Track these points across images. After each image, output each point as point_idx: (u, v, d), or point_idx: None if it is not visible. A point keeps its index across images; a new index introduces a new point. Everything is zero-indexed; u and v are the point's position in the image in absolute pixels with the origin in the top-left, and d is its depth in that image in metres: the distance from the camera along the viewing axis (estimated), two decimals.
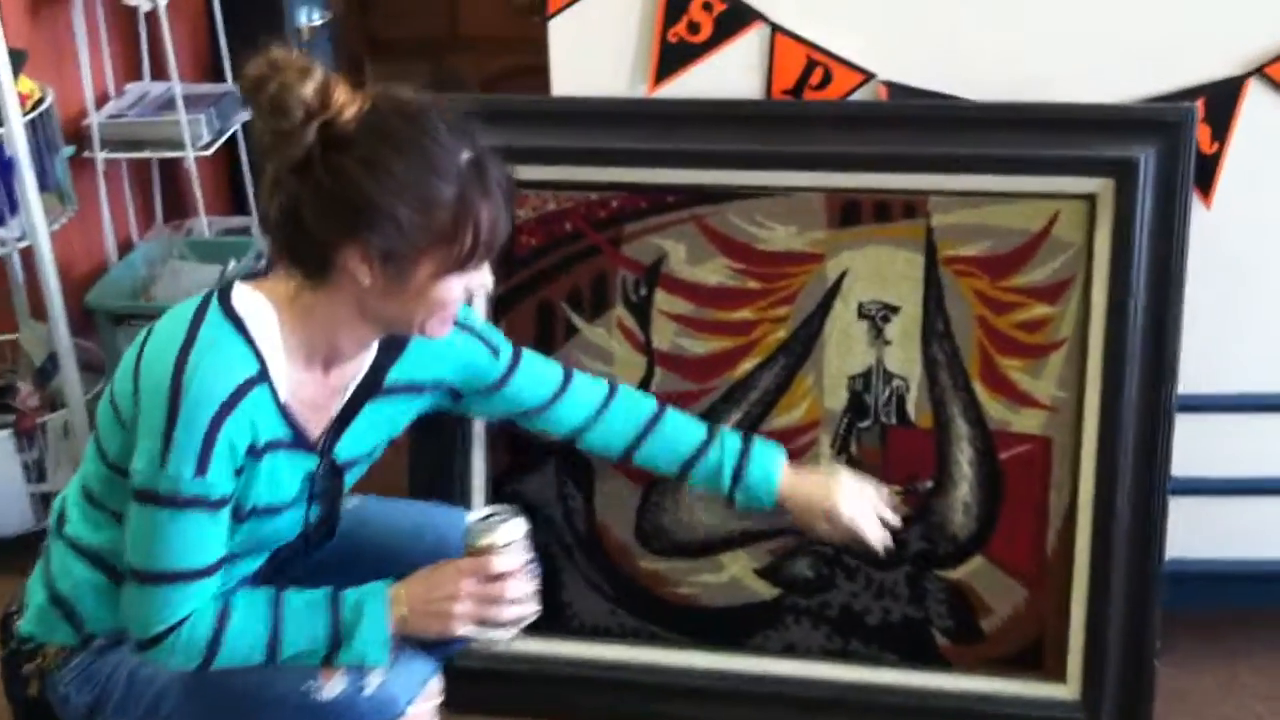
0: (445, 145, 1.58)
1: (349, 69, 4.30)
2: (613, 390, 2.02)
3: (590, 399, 2.00)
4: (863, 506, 2.00)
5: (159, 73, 3.37)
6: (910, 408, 2.20)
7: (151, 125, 3.19)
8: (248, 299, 1.65)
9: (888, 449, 2.21)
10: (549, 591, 2.25)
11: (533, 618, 1.75)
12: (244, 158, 3.57)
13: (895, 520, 2.03)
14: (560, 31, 2.17)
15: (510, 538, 1.71)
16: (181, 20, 3.51)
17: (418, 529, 1.92)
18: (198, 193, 3.32)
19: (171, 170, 3.47)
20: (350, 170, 1.54)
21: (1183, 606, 2.27)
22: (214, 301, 1.65)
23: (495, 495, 2.28)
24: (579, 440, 2.02)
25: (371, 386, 1.79)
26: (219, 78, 3.55)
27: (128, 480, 1.62)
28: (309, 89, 1.53)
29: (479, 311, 2.23)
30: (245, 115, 3.39)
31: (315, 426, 1.72)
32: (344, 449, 1.78)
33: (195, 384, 1.56)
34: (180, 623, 1.64)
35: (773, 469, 1.98)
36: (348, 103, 1.56)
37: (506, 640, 1.76)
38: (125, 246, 3.35)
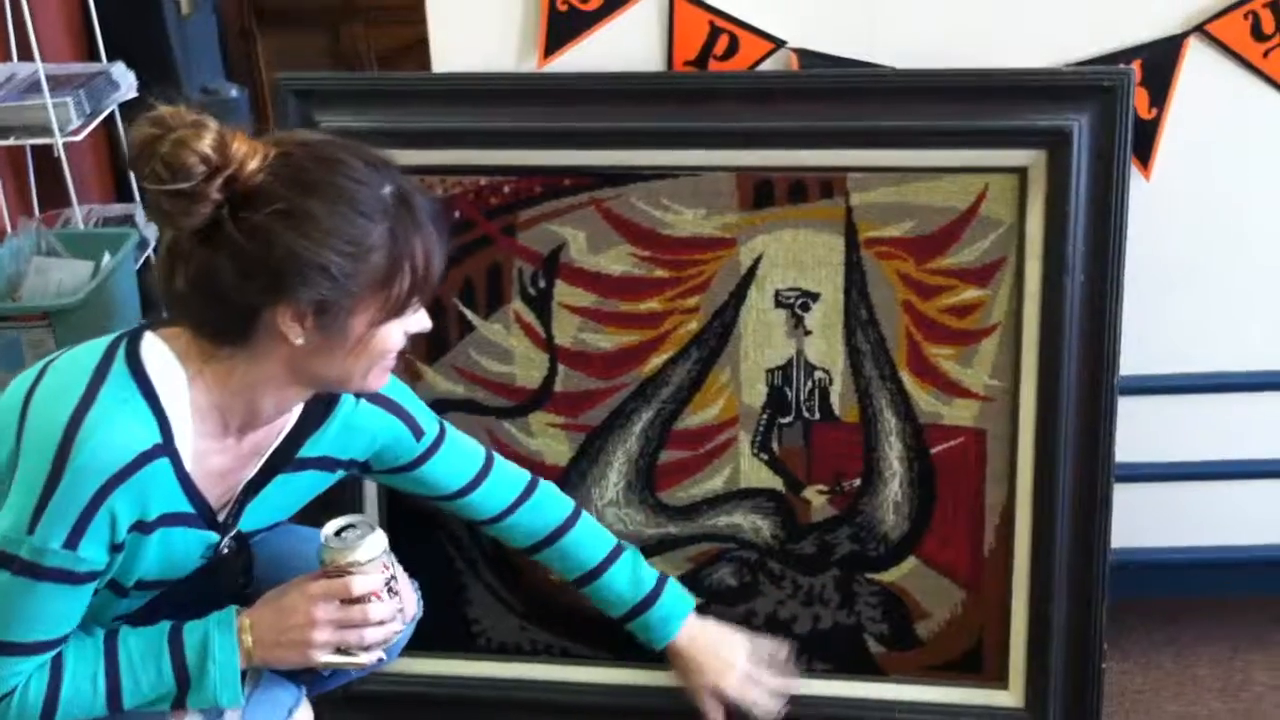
0: (366, 182, 1.50)
1: (238, 42, 4.17)
2: (530, 488, 1.97)
3: (504, 495, 1.95)
4: (755, 693, 2.01)
5: (27, 54, 3.19)
6: (834, 401, 2.12)
7: (16, 110, 3.06)
8: (158, 355, 1.54)
9: (811, 446, 2.14)
10: (453, 608, 2.20)
11: (396, 638, 1.69)
12: (124, 141, 3.40)
13: (789, 689, 2.04)
14: (439, 1, 2.07)
15: (370, 554, 1.62)
16: None
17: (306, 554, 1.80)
18: (69, 180, 3.17)
19: (49, 157, 3.29)
20: (267, 226, 1.45)
21: (1128, 597, 2.24)
22: (120, 355, 1.53)
23: (392, 507, 2.19)
24: (481, 527, 1.98)
25: (286, 456, 1.68)
26: (94, 56, 3.41)
27: None
28: (205, 143, 1.43)
29: None
30: (121, 96, 3.24)
31: (219, 498, 1.63)
32: (249, 520, 1.69)
33: (87, 451, 1.46)
34: (9, 694, 1.53)
35: (676, 623, 2.01)
36: (250, 153, 1.47)
37: (371, 665, 1.67)
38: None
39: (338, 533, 1.64)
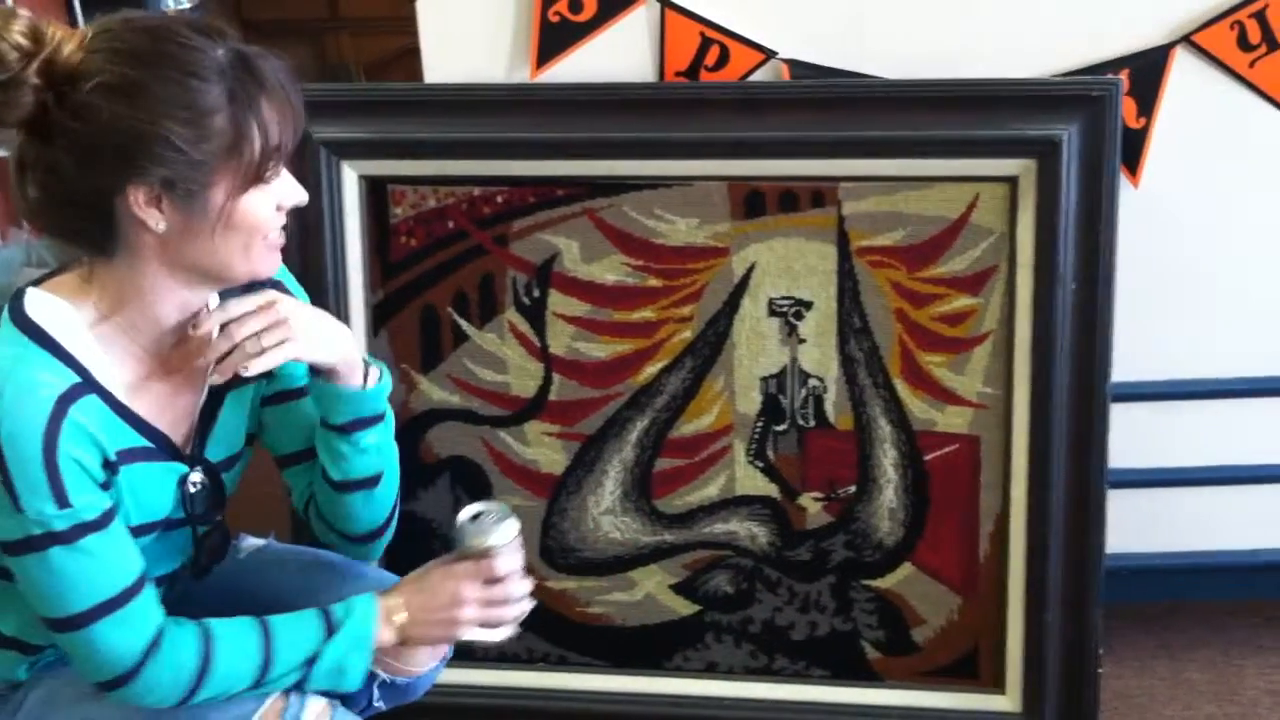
0: (197, 45, 1.43)
1: None
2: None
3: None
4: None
5: None
6: (829, 409, 2.12)
7: None
8: (43, 304, 1.49)
9: (806, 453, 2.14)
10: None
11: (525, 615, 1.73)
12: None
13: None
14: (430, 12, 2.09)
15: (507, 538, 1.67)
16: (37, 5, 3.31)
17: (326, 581, 1.78)
18: None
19: None
20: (93, 103, 1.39)
21: (1124, 602, 2.25)
22: (4, 320, 1.48)
23: None
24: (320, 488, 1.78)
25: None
26: None
27: None
28: (16, 29, 1.39)
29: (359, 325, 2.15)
30: None
31: (177, 429, 1.59)
32: (214, 448, 1.65)
33: (5, 417, 1.41)
34: (153, 645, 1.51)
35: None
36: (67, 36, 1.41)
37: (505, 639, 1.73)
38: None
39: (473, 518, 1.68)
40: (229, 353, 1.53)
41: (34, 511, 1.43)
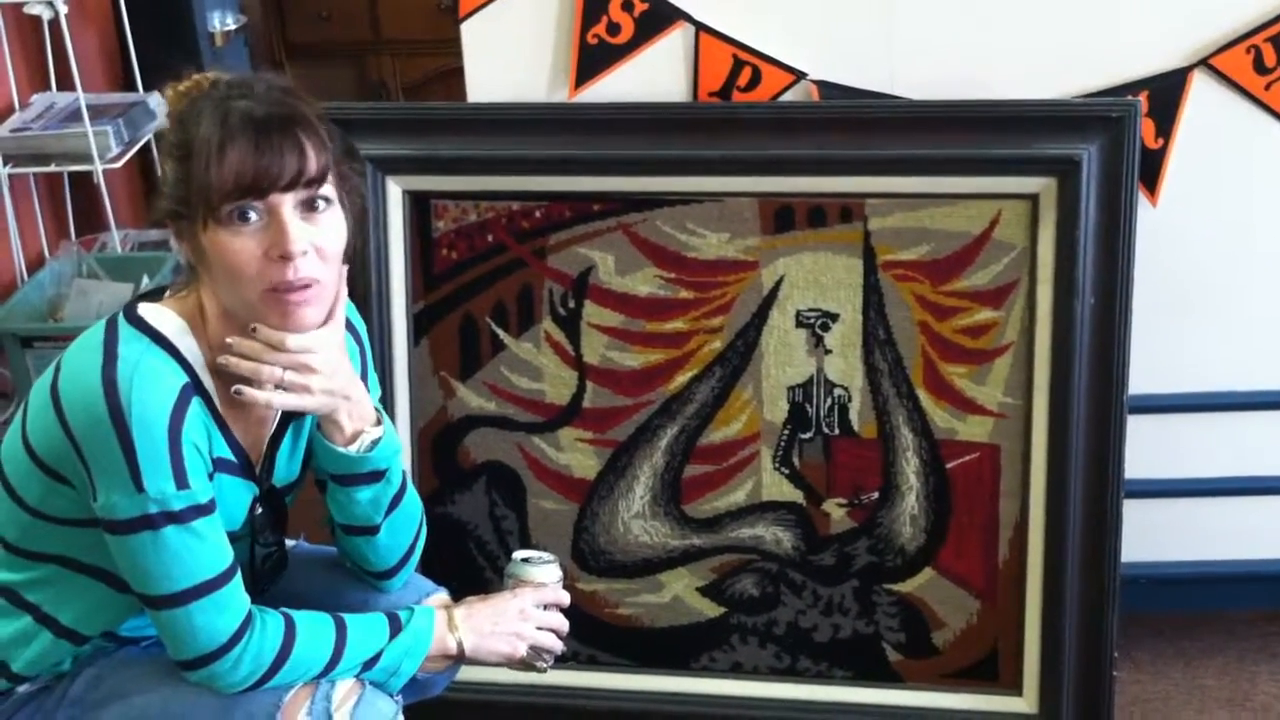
0: (207, 97, 1.54)
1: None
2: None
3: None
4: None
5: (66, 83, 3.25)
6: (853, 418, 2.16)
7: (57, 138, 3.10)
8: (155, 312, 1.59)
9: (831, 461, 2.17)
10: None
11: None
12: (158, 168, 3.45)
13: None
14: (474, 35, 2.12)
15: (555, 576, 1.84)
16: (89, 28, 3.40)
17: (351, 582, 1.83)
18: (108, 207, 3.22)
19: (85, 183, 3.35)
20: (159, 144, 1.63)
21: (1139, 610, 2.26)
22: (121, 320, 1.57)
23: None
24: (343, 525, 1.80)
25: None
26: (130, 86, 3.45)
27: (55, 524, 1.58)
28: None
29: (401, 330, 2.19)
30: (156, 125, 3.30)
31: (253, 448, 1.66)
32: (280, 473, 1.72)
33: (136, 401, 1.49)
34: (243, 627, 1.58)
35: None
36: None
37: (546, 669, 1.85)
38: (37, 264, 3.24)
39: (524, 560, 1.84)
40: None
41: (156, 491, 1.50)
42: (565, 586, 1.85)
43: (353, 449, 1.66)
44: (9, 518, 1.62)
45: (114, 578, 1.60)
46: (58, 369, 1.56)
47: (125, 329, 1.55)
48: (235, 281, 1.53)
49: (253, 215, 1.51)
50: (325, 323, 1.60)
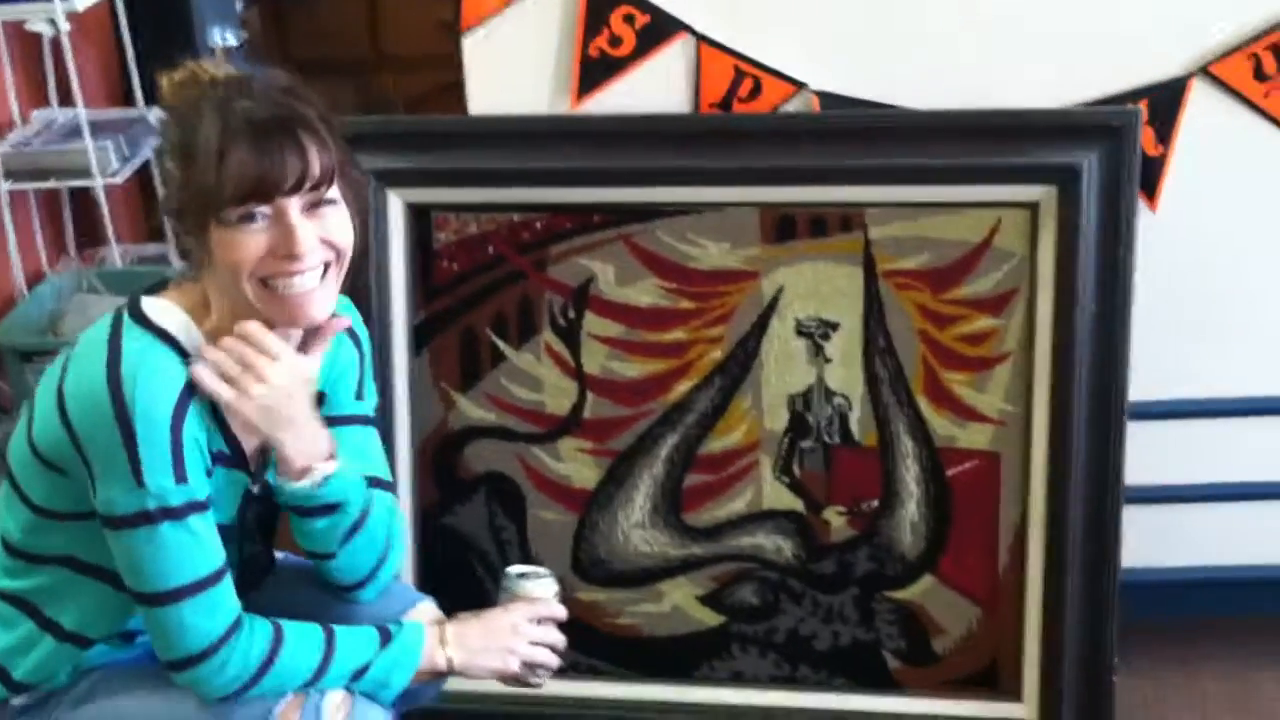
0: (206, 97, 1.53)
1: None
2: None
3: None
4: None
5: (67, 99, 3.26)
6: (854, 426, 2.16)
7: (58, 153, 3.12)
8: (159, 308, 1.59)
9: (832, 469, 2.18)
10: None
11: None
12: (158, 184, 3.46)
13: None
14: (476, 48, 2.13)
15: (550, 591, 1.82)
16: (89, 45, 3.41)
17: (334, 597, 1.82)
18: (108, 222, 3.22)
19: (84, 198, 3.37)
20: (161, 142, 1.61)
21: (1139, 616, 2.25)
22: (125, 317, 1.58)
23: (424, 528, 2.25)
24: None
25: None
26: (130, 102, 3.46)
27: (59, 520, 1.58)
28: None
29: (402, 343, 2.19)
30: (155, 141, 3.31)
31: (248, 442, 1.65)
32: (274, 470, 1.69)
33: (140, 396, 1.50)
34: (231, 630, 1.57)
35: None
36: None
37: (541, 685, 1.83)
38: (37, 279, 3.25)
39: (519, 575, 1.82)
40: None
41: (155, 486, 1.50)
42: (565, 597, 1.83)
43: (305, 483, 1.63)
44: (15, 520, 1.63)
45: (117, 577, 1.60)
46: (64, 367, 1.57)
47: (129, 328, 1.56)
48: (239, 277, 1.53)
49: (258, 217, 1.52)
50: (310, 349, 1.61)
